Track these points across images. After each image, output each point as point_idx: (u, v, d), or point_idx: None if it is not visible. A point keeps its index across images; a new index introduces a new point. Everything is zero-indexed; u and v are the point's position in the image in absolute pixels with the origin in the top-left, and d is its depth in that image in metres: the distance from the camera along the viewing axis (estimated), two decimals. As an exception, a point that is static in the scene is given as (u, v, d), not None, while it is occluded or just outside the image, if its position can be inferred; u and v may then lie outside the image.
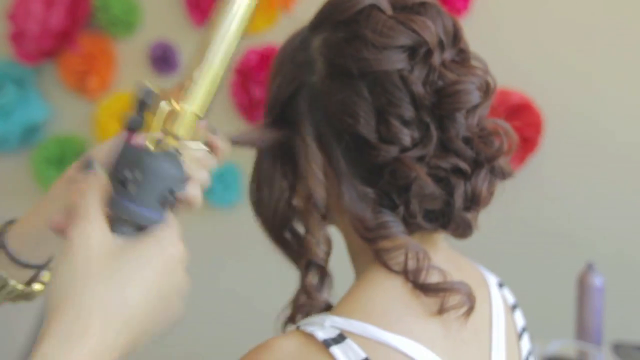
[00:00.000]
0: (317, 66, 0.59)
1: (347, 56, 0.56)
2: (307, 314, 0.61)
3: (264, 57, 1.73)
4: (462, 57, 0.59)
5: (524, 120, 1.51)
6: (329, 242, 0.61)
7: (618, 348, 1.30)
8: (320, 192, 0.59)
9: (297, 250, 0.66)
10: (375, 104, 0.55)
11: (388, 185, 0.57)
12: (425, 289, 0.55)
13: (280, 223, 0.65)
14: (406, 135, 0.55)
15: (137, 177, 0.38)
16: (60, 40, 1.89)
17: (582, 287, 1.28)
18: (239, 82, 1.76)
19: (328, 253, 0.61)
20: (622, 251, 1.50)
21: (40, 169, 1.95)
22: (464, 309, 0.56)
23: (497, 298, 0.66)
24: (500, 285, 0.70)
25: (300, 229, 0.66)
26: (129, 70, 1.90)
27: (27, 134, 1.96)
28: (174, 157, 0.40)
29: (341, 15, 0.58)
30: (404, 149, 0.55)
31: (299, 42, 0.62)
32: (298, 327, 0.54)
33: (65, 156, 1.94)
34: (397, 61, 0.55)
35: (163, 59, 1.84)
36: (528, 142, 1.52)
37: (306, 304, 0.61)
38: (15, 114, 1.92)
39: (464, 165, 0.56)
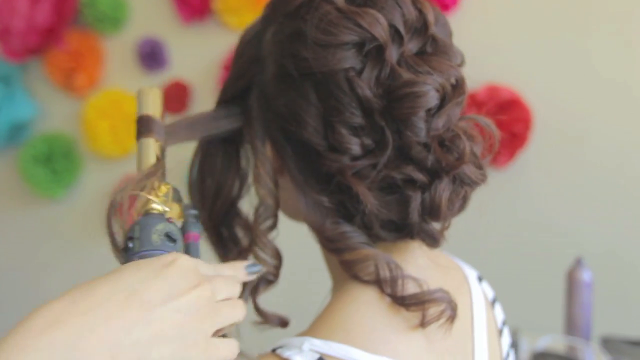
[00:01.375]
0: (267, 64, 0.54)
1: (287, 55, 0.51)
2: None
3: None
4: (434, 47, 0.53)
5: (513, 115, 1.51)
6: (278, 255, 0.57)
7: (607, 342, 1.31)
8: (268, 201, 0.55)
9: (233, 250, 0.62)
10: (321, 108, 0.50)
11: (340, 195, 0.52)
12: (405, 302, 0.51)
13: (219, 218, 0.61)
14: (354, 144, 0.50)
15: (135, 235, 0.45)
16: (47, 37, 1.87)
17: (571, 282, 1.28)
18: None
19: (278, 267, 0.58)
20: (611, 246, 1.51)
21: (28, 167, 1.94)
22: (445, 318, 0.52)
23: (478, 295, 0.64)
24: (480, 279, 0.68)
25: (239, 230, 0.62)
26: (117, 67, 1.89)
27: (14, 132, 1.94)
28: (157, 214, 0.47)
29: (286, 8, 0.53)
30: (354, 158, 0.50)
31: (253, 35, 0.58)
32: (274, 351, 0.49)
33: (52, 154, 1.92)
34: (341, 60, 0.49)
35: (151, 56, 1.83)
36: (517, 137, 1.52)
37: None
38: (2, 112, 1.90)
39: (418, 176, 0.50)
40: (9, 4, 1.86)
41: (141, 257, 0.43)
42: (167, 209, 0.47)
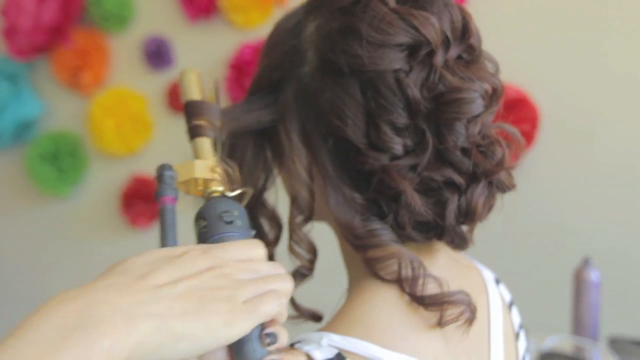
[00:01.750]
0: (308, 56, 0.54)
1: (338, 51, 0.51)
2: None
3: (258, 51, 1.71)
4: (471, 55, 0.53)
5: (520, 114, 1.50)
6: (313, 249, 0.57)
7: (614, 343, 1.30)
8: (304, 194, 0.54)
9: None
10: (366, 106, 0.50)
11: (376, 193, 0.52)
12: (424, 301, 0.51)
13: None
14: (397, 144, 0.50)
15: (204, 220, 0.46)
16: (53, 35, 1.87)
17: (578, 282, 1.27)
18: (233, 77, 1.74)
19: (312, 261, 0.57)
20: (618, 246, 1.49)
21: (34, 165, 1.94)
22: (463, 320, 0.53)
23: (495, 298, 0.64)
24: (497, 281, 0.68)
25: (264, 223, 0.63)
26: (123, 65, 1.89)
27: (20, 130, 1.95)
28: (222, 196, 0.49)
29: (337, 2, 0.53)
30: (395, 158, 0.50)
31: (293, 25, 0.57)
32: (292, 345, 0.49)
33: (59, 152, 1.93)
34: (393, 61, 0.49)
35: (157, 54, 1.83)
36: (524, 136, 1.51)
37: None
38: (8, 110, 1.91)
39: (458, 179, 0.51)
40: (15, 3, 1.87)
41: (214, 242, 0.45)
42: (234, 189, 0.48)
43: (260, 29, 1.72)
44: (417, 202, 0.51)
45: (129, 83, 1.88)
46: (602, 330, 1.29)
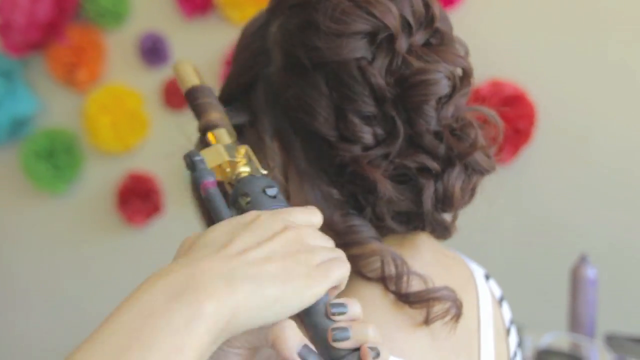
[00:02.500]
0: (273, 56, 0.54)
1: (299, 45, 0.51)
2: None
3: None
4: (439, 40, 0.53)
5: (518, 111, 1.50)
6: None
7: (611, 340, 1.30)
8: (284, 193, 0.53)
9: None
10: (333, 98, 0.50)
11: (352, 186, 0.52)
12: (409, 299, 0.51)
13: None
14: (367, 133, 0.50)
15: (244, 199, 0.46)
16: (48, 31, 1.86)
17: (575, 279, 1.27)
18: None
19: None
20: (616, 243, 1.49)
21: (29, 162, 1.93)
22: (450, 316, 0.52)
23: (484, 293, 0.63)
24: (487, 277, 0.67)
25: None
26: (118, 62, 1.88)
27: (16, 127, 1.94)
28: (252, 176, 0.49)
29: None
30: (366, 148, 0.50)
31: (258, 28, 0.57)
32: None
33: (54, 150, 1.92)
34: (353, 50, 0.49)
35: (152, 51, 1.82)
36: (521, 133, 1.50)
37: None
38: (3, 107, 1.89)
39: (432, 164, 0.51)
40: (10, -1, 1.86)
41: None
42: (261, 170, 0.48)
43: (257, 25, 1.71)
44: (388, 188, 0.50)
45: (125, 80, 1.87)
46: (599, 327, 1.29)
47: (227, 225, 0.40)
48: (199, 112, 0.53)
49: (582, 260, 1.27)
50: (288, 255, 0.39)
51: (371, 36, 0.50)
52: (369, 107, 0.50)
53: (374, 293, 0.52)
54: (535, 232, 1.56)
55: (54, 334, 1.99)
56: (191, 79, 0.55)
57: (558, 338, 1.27)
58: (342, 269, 0.41)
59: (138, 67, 1.85)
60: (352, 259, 0.52)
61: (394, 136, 0.50)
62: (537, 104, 1.52)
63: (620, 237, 1.49)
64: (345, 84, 0.50)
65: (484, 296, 0.63)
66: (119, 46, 1.87)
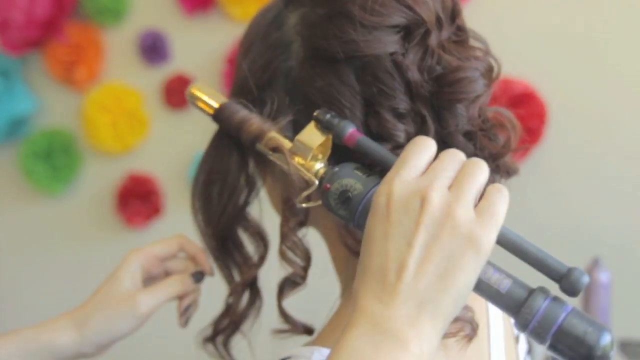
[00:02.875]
0: (293, 48, 0.51)
1: (330, 37, 0.48)
2: (229, 336, 0.57)
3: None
4: (461, 36, 0.52)
5: (528, 110, 1.47)
6: (308, 256, 0.54)
7: (625, 346, 1.27)
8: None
9: (238, 264, 0.57)
10: (364, 93, 0.48)
11: None
12: None
13: (225, 228, 0.56)
14: (400, 131, 0.48)
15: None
16: (46, 29, 1.83)
17: (588, 283, 1.25)
18: (231, 71, 1.71)
19: (306, 269, 0.54)
20: (629, 246, 1.46)
21: (28, 163, 1.91)
22: (462, 336, 0.50)
23: None
24: None
25: (248, 241, 0.58)
26: (118, 60, 1.86)
27: (13, 126, 1.91)
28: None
29: None
30: (397, 146, 0.48)
31: (272, 18, 0.54)
32: None
33: (53, 150, 1.90)
34: (389, 43, 0.47)
35: (153, 49, 1.79)
36: (532, 133, 1.48)
37: (229, 327, 0.56)
38: (1, 107, 1.87)
39: None
40: (7, -4, 1.84)
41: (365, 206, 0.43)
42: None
43: (259, 22, 1.69)
44: None
45: (124, 78, 1.85)
46: (613, 333, 1.26)
47: (383, 241, 0.39)
48: (240, 126, 0.51)
49: (595, 263, 1.26)
50: (442, 239, 0.39)
51: (407, 30, 0.48)
52: (404, 104, 0.48)
53: None
54: (545, 233, 1.52)
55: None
56: (216, 98, 0.53)
57: (570, 344, 1.24)
58: (500, 200, 0.42)
59: (138, 66, 1.83)
60: None
61: (425, 135, 0.47)
62: (548, 103, 1.49)
63: (634, 239, 1.46)
64: (379, 78, 0.48)
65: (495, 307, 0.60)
66: (118, 44, 1.85)
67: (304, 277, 0.54)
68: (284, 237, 0.52)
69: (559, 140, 1.50)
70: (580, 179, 1.50)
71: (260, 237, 0.58)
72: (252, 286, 0.57)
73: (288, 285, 0.55)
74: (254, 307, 0.58)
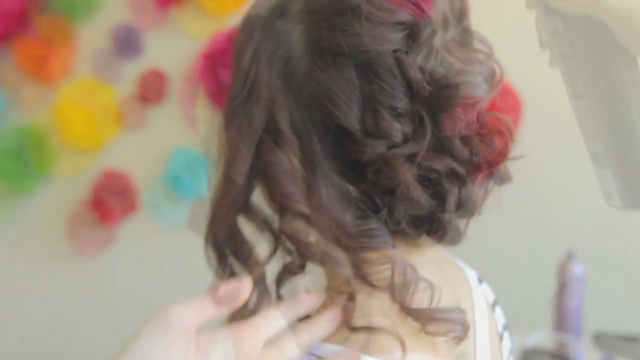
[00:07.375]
0: (294, 38, 0.50)
1: (334, 29, 0.47)
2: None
3: (232, 40, 1.67)
4: (466, 39, 0.51)
5: (504, 105, 1.47)
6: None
7: (599, 338, 1.28)
8: (301, 187, 0.49)
9: (246, 259, 0.54)
10: (362, 89, 0.47)
11: (371, 186, 0.49)
12: (417, 316, 0.48)
13: (230, 216, 0.52)
14: (397, 131, 0.47)
15: None
16: (16, 23, 1.80)
17: (562, 275, 1.26)
18: (206, 66, 1.69)
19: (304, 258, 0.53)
20: (603, 239, 1.48)
21: (-2, 160, 1.87)
22: (451, 337, 0.50)
23: (479, 298, 0.61)
24: (480, 280, 0.65)
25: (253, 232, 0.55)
26: (90, 54, 1.83)
27: (-17, 123, 1.88)
28: None
29: None
30: (392, 146, 0.47)
31: (273, 6, 0.52)
32: None
33: (24, 147, 1.86)
34: (393, 40, 0.46)
35: (126, 43, 1.77)
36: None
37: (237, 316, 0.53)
38: (-31, 102, 1.84)
39: (459, 169, 0.49)
40: (-26, -12, 1.80)
41: None
42: None
43: (235, 17, 1.67)
44: (418, 190, 0.48)
45: (98, 73, 1.82)
46: (586, 325, 1.28)
47: None
48: None
49: (569, 256, 1.27)
50: None
51: (412, 28, 0.47)
52: (403, 104, 0.47)
53: (381, 303, 0.49)
54: (521, 227, 1.55)
55: (41, 331, 1.95)
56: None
57: (544, 337, 1.26)
58: None
59: (111, 60, 1.80)
60: (360, 264, 0.48)
61: (421, 136, 0.48)
62: (524, 98, 1.50)
63: (608, 233, 1.48)
64: (380, 75, 0.47)
65: (479, 300, 0.61)
66: (90, 38, 1.82)
67: (302, 267, 0.53)
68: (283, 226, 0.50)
69: (534, 135, 1.51)
70: (555, 172, 1.51)
71: (268, 228, 0.54)
72: (260, 284, 0.53)
73: (286, 275, 0.53)
74: (262, 306, 0.54)
